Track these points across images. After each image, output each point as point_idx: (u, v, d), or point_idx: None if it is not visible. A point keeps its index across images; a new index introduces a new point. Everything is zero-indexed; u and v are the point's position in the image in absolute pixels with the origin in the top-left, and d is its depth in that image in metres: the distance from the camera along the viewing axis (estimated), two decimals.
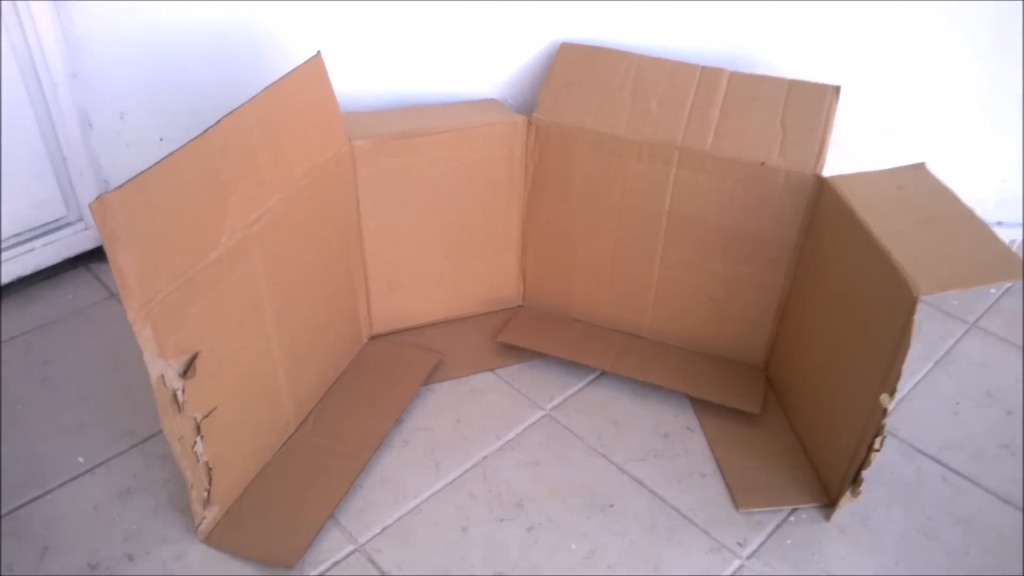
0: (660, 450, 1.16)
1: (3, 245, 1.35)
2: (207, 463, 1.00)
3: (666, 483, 1.11)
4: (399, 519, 1.06)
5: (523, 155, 1.26)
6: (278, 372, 1.11)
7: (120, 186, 0.81)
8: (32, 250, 1.39)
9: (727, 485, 1.11)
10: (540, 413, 1.22)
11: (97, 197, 0.78)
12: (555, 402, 1.24)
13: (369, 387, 1.24)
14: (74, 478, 1.12)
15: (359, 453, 1.13)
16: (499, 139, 1.24)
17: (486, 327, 1.36)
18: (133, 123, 1.37)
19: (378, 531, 1.04)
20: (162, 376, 0.90)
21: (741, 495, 1.09)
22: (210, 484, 1.02)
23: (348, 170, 1.18)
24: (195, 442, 0.97)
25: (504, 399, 1.24)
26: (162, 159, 0.85)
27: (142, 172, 0.83)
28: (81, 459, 1.15)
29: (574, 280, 1.33)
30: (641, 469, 1.13)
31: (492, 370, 1.29)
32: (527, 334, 1.32)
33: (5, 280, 1.38)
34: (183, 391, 0.93)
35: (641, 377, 1.24)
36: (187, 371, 0.94)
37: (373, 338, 1.34)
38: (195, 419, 0.97)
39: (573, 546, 1.03)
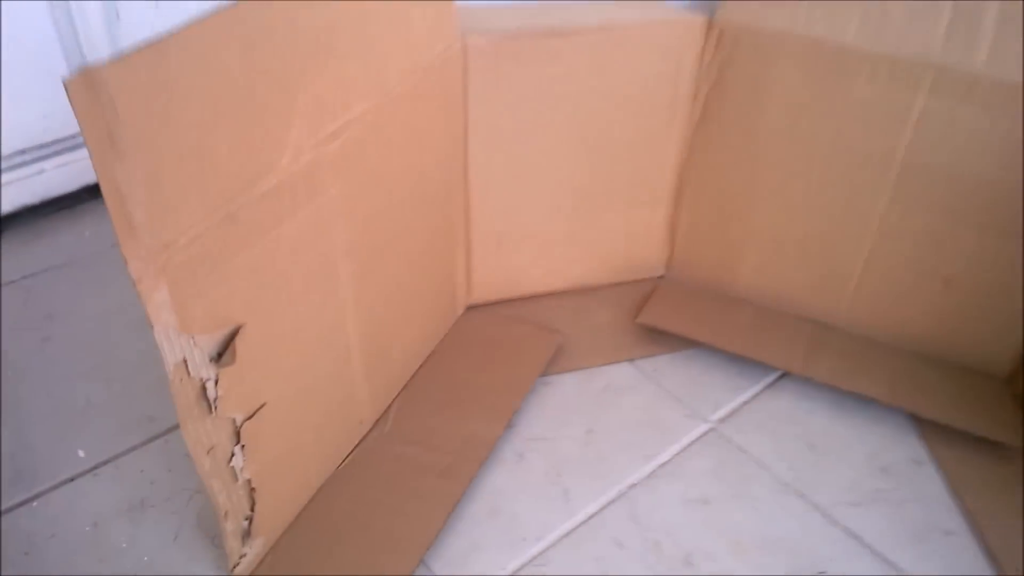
0: (881, 491, 0.82)
1: (2, 165, 1.05)
2: (249, 482, 0.69)
3: (897, 542, 0.77)
4: (517, 572, 0.74)
5: (695, 70, 0.91)
6: (352, 354, 0.79)
7: (121, 56, 0.48)
8: (40, 172, 1.09)
9: (988, 551, 0.76)
10: (704, 426, 0.88)
11: (78, 69, 0.46)
12: (722, 411, 0.90)
13: (469, 375, 0.92)
14: (70, 479, 0.83)
15: (458, 469, 0.81)
16: (665, 46, 0.89)
17: (620, 302, 1.03)
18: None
19: None
20: (184, 361, 0.59)
21: (1013, 569, 0.74)
22: (252, 511, 0.71)
23: (457, 77, 0.84)
24: (232, 454, 0.66)
25: (652, 403, 0.91)
26: (192, 22, 0.52)
27: (158, 37, 0.50)
28: (82, 453, 0.85)
29: (744, 246, 0.98)
30: (858, 518, 0.79)
31: (631, 360, 0.96)
32: (677, 315, 0.99)
33: (5, 209, 1.08)
34: (216, 383, 0.62)
35: (845, 385, 0.89)
36: (223, 354, 0.62)
37: (471, 308, 1.02)
38: (234, 422, 0.66)
39: None
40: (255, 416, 0.68)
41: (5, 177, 1.06)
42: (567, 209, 0.97)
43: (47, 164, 1.09)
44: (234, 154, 0.57)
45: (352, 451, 0.83)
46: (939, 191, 0.86)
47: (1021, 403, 0.90)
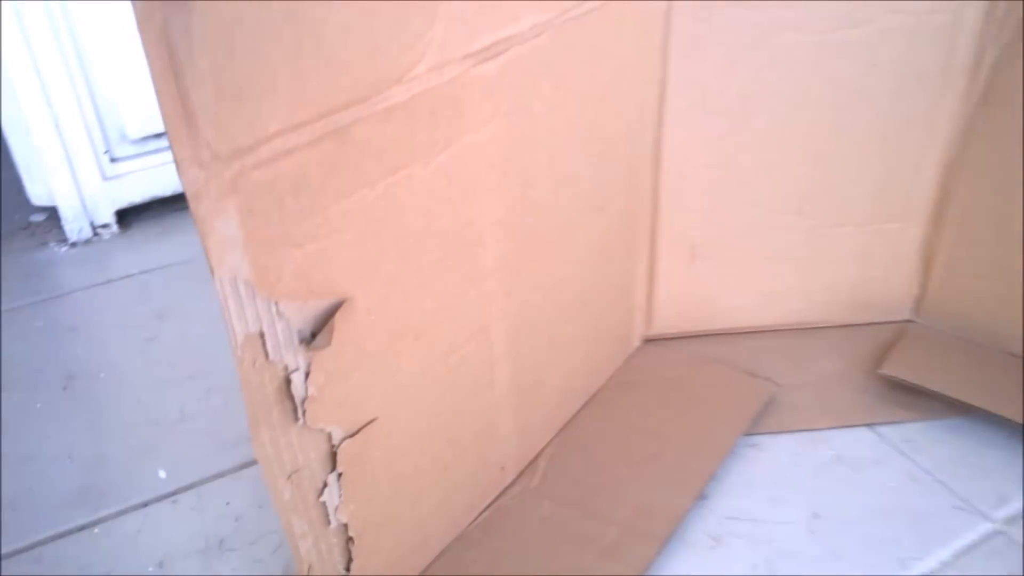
0: None
1: (131, 151, 0.95)
2: (345, 528, 0.50)
3: None
4: None
5: (980, 27, 0.67)
6: (496, 372, 0.59)
7: None
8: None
9: None
10: (985, 525, 0.61)
11: None
12: (1011, 507, 0.63)
13: (647, 425, 0.70)
14: (143, 504, 0.67)
15: (629, 548, 0.58)
16: None
17: (852, 347, 0.78)
18: None
19: None
20: (261, 335, 0.41)
21: None
22: (348, 570, 0.51)
23: (657, 18, 0.65)
24: (324, 485, 0.48)
25: (904, 486, 0.65)
26: None
27: None
28: (163, 473, 0.69)
29: None
30: None
31: (871, 426, 0.71)
32: (937, 368, 0.73)
33: (134, 199, 0.98)
34: (307, 376, 0.44)
35: None
36: (319, 333, 0.44)
37: (650, 341, 0.80)
38: (329, 438, 0.47)
39: None
40: (360, 434, 0.49)
41: (137, 164, 0.96)
42: (786, 217, 0.74)
43: None
44: (350, 38, 0.40)
45: (488, 506, 0.63)
46: None
47: None
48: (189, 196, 0.36)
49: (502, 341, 0.58)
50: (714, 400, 0.72)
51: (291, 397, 0.44)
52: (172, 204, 1.03)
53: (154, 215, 1.03)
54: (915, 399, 0.71)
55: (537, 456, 0.67)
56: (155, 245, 0.98)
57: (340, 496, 0.49)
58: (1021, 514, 0.62)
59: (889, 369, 0.72)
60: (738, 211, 0.73)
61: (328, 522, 0.49)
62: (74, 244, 0.99)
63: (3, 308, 0.89)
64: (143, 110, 0.94)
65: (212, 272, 0.38)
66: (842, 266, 0.77)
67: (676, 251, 0.75)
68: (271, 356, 0.42)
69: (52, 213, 1.01)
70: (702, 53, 0.66)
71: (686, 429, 0.69)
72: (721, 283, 0.77)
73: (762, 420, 0.70)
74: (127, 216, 1.02)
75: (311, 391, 0.45)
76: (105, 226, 1.00)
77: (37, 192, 0.99)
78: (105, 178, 0.98)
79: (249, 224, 0.38)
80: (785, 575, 0.58)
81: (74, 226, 0.98)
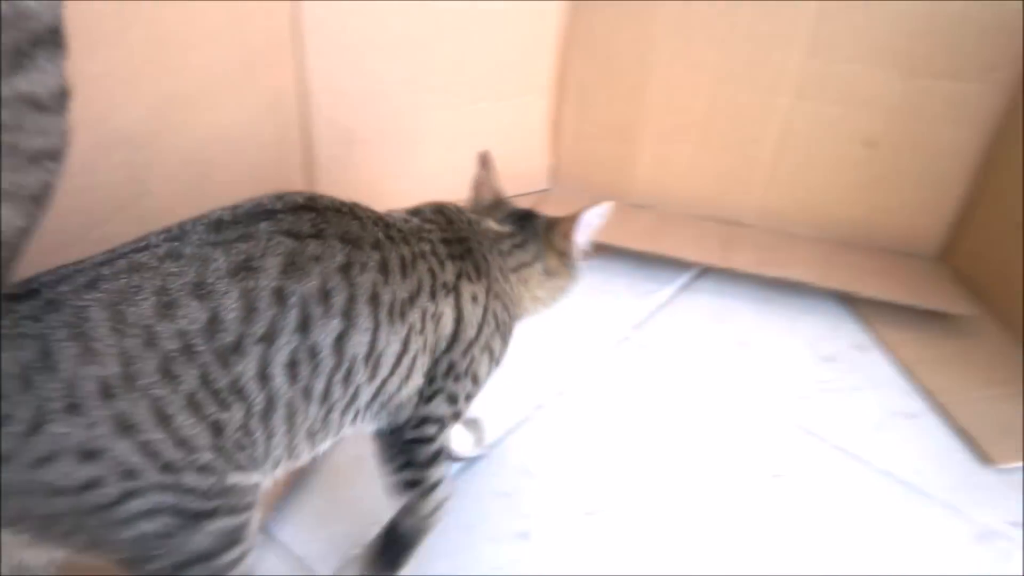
0: (829, 381, 0.70)
1: None
2: None
3: (858, 432, 0.65)
4: None
5: None
6: None
7: None
8: None
9: (960, 429, 0.65)
10: (618, 337, 0.74)
11: None
12: (638, 317, 0.76)
13: None
14: None
15: None
16: None
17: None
18: None
19: None
20: None
21: (990, 444, 0.64)
22: None
23: None
24: None
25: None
26: None
27: None
28: None
29: (639, 141, 0.85)
30: (811, 413, 0.66)
31: None
32: None
33: None
34: None
35: (773, 271, 0.77)
36: None
37: None
38: None
39: None
40: None
41: None
42: (434, 97, 0.80)
43: None
44: None
45: None
46: (862, 28, 0.74)
47: (958, 276, 0.80)
48: None
49: None
50: None
51: None
52: None
53: None
54: None
55: None
56: None
57: None
58: (642, 322, 0.75)
59: None
60: (394, 94, 0.78)
61: None
62: None
63: None
64: None
65: None
66: (486, 142, 0.86)
67: (326, 135, 0.77)
68: None
69: None
70: None
71: None
72: (367, 157, 0.80)
73: None
74: None
75: None
76: None
77: None
78: None
79: None
80: None
81: None
